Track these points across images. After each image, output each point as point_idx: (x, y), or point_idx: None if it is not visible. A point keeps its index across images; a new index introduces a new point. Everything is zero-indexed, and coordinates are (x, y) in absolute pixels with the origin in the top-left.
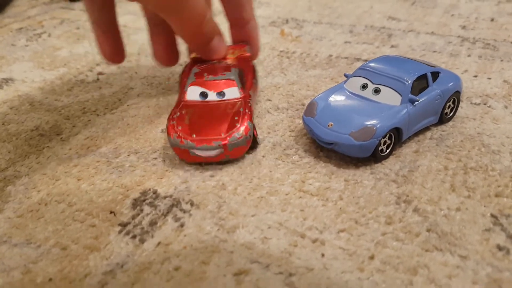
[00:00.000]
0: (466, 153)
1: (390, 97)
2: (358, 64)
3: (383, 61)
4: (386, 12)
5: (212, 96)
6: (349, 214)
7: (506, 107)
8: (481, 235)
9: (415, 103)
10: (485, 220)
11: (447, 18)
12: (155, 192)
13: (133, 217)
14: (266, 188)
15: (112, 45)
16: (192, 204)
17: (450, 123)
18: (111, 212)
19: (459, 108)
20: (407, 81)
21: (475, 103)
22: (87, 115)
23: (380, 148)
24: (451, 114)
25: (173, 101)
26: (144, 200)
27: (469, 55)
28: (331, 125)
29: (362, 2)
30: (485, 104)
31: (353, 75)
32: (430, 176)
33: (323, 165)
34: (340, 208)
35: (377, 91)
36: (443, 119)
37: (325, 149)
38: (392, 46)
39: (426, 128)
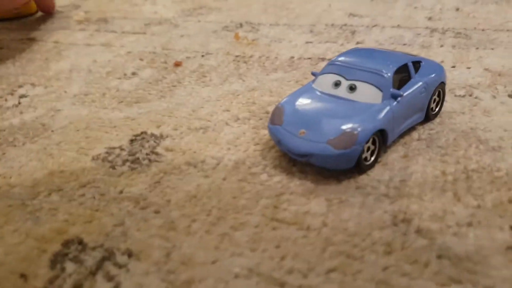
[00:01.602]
0: (463, 153)
1: (368, 94)
2: (323, 64)
3: (355, 53)
4: (347, 9)
5: None
6: (338, 246)
7: (494, 97)
8: (504, 255)
9: (399, 98)
10: (504, 234)
11: (410, 11)
12: (80, 242)
13: (51, 281)
14: (229, 221)
15: None
16: (130, 255)
17: (437, 119)
18: (21, 276)
19: (444, 102)
20: (386, 73)
21: (459, 95)
22: (2, 147)
23: (364, 156)
24: (437, 109)
25: (106, 120)
26: (66, 255)
27: (441, 45)
28: (303, 133)
29: (320, 1)
30: (470, 95)
31: (323, 73)
32: (427, 185)
33: (298, 183)
34: (326, 238)
35: (352, 88)
36: (429, 116)
37: (299, 162)
38: (358, 43)
39: (411, 128)
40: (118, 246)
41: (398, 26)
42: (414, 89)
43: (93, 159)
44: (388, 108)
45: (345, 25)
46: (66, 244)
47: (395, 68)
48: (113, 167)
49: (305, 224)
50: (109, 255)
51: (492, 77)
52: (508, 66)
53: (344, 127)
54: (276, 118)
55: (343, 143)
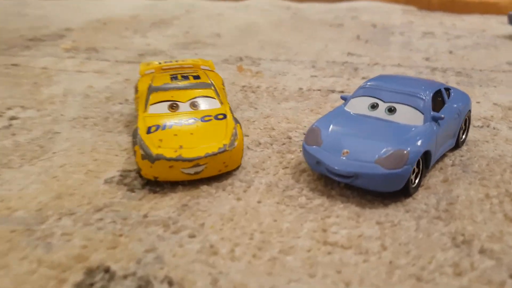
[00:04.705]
0: (500, 178)
1: (409, 116)
2: (333, 96)
3: (386, 78)
4: (343, 50)
5: None
6: (404, 269)
7: (511, 128)
8: None
9: (439, 121)
10: None
11: (407, 53)
12: (107, 270)
13: None
14: (276, 245)
15: None
16: (170, 283)
17: (464, 147)
18: None
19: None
20: (425, 96)
21: (478, 126)
22: None
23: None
24: (463, 136)
25: (114, 143)
26: (92, 285)
27: (446, 82)
28: (347, 152)
29: (315, 42)
30: (488, 126)
31: (355, 96)
32: (476, 208)
33: (341, 206)
34: (390, 262)
35: (391, 110)
36: (458, 142)
37: (338, 186)
38: (363, 78)
39: (443, 155)
40: (154, 273)
41: (399, 65)
42: (449, 114)
43: (106, 182)
44: (433, 129)
45: (346, 62)
46: (90, 272)
47: (433, 92)
48: (132, 190)
49: (362, 248)
50: (145, 284)
51: (503, 111)
52: None
53: (393, 146)
54: (312, 138)
55: (394, 162)
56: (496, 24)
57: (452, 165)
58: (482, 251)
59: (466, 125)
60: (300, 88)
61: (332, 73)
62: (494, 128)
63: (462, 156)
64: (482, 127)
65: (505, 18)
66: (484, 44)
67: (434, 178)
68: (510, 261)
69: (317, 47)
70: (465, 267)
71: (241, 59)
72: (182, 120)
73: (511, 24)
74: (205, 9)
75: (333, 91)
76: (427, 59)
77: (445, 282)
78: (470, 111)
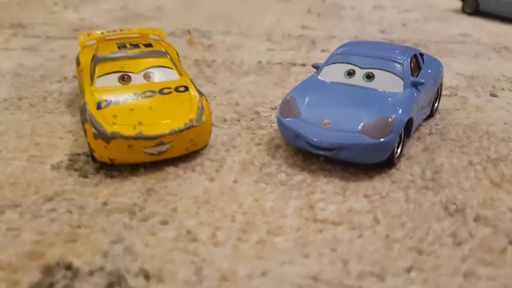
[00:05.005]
0: (479, 145)
1: (389, 82)
2: (296, 69)
3: (359, 44)
4: (297, 23)
5: None
6: (403, 243)
7: (478, 96)
8: None
9: (419, 86)
10: None
11: (361, 25)
12: (69, 266)
13: None
14: (262, 226)
15: None
16: (147, 276)
17: (437, 116)
18: None
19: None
20: (403, 61)
21: (446, 95)
22: None
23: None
24: (436, 105)
25: (57, 124)
26: (52, 285)
27: None
28: (328, 123)
29: (266, 15)
30: (455, 95)
31: (329, 63)
32: (461, 175)
33: (325, 180)
34: (387, 236)
35: (370, 76)
36: (432, 111)
37: (317, 160)
38: (323, 51)
39: (418, 124)
40: (126, 266)
41: (356, 37)
42: (427, 79)
43: (53, 168)
44: (413, 95)
45: (302, 35)
46: (48, 271)
47: (410, 56)
48: (85, 176)
49: (354, 223)
50: (117, 279)
51: (466, 80)
52: (476, 70)
53: (376, 114)
54: (288, 110)
55: (380, 131)
56: None
57: (430, 134)
58: (477, 219)
59: (438, 93)
60: (259, 62)
61: (290, 47)
62: (462, 97)
63: (437, 124)
64: (450, 96)
65: None
66: (435, 18)
67: (413, 147)
68: (506, 227)
69: (269, 20)
70: (463, 236)
71: (189, 32)
72: (137, 94)
73: None
74: None
75: (294, 64)
76: (382, 31)
77: (446, 254)
78: (442, 77)
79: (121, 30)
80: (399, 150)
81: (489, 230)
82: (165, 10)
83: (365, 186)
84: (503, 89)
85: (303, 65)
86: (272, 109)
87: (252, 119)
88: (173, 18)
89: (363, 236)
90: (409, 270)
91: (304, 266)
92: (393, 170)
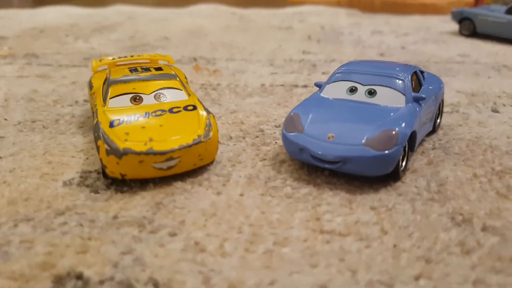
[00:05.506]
0: (483, 158)
1: (391, 98)
2: (298, 90)
3: (359, 63)
4: (298, 48)
5: None
6: (411, 252)
7: (479, 112)
8: None
9: (421, 101)
10: None
11: (360, 49)
12: (79, 276)
13: None
14: (269, 238)
15: None
16: (156, 285)
17: (440, 131)
18: None
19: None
20: (404, 77)
21: (448, 112)
22: None
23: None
24: (438, 120)
25: (68, 145)
26: None
27: None
28: (332, 137)
29: (268, 42)
30: (457, 112)
31: (331, 81)
32: (467, 187)
33: (330, 193)
34: (394, 246)
35: (372, 92)
36: (434, 127)
37: (322, 173)
38: (324, 73)
39: (421, 140)
40: (136, 276)
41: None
42: (428, 95)
43: (65, 184)
44: (416, 110)
45: (303, 60)
46: (59, 280)
47: (411, 73)
48: (96, 192)
49: (362, 234)
50: None
51: (467, 97)
52: (476, 88)
53: (380, 127)
54: (293, 125)
55: (384, 143)
56: (438, 22)
57: (433, 148)
58: (484, 229)
59: (440, 109)
60: (263, 84)
61: (291, 70)
62: (463, 113)
63: (440, 139)
64: (452, 112)
65: (445, 18)
66: (433, 40)
67: (418, 161)
68: None
69: (271, 47)
70: (472, 245)
71: (195, 59)
72: (148, 113)
73: (455, 20)
74: (148, 15)
75: (296, 86)
76: (381, 54)
77: (455, 262)
78: (443, 94)
79: (131, 56)
80: (403, 164)
81: (498, 239)
82: (171, 39)
83: (371, 198)
84: (504, 105)
85: (305, 86)
86: (276, 127)
87: (257, 136)
88: (179, 46)
89: (371, 246)
90: (417, 278)
91: (313, 276)
92: (399, 183)
